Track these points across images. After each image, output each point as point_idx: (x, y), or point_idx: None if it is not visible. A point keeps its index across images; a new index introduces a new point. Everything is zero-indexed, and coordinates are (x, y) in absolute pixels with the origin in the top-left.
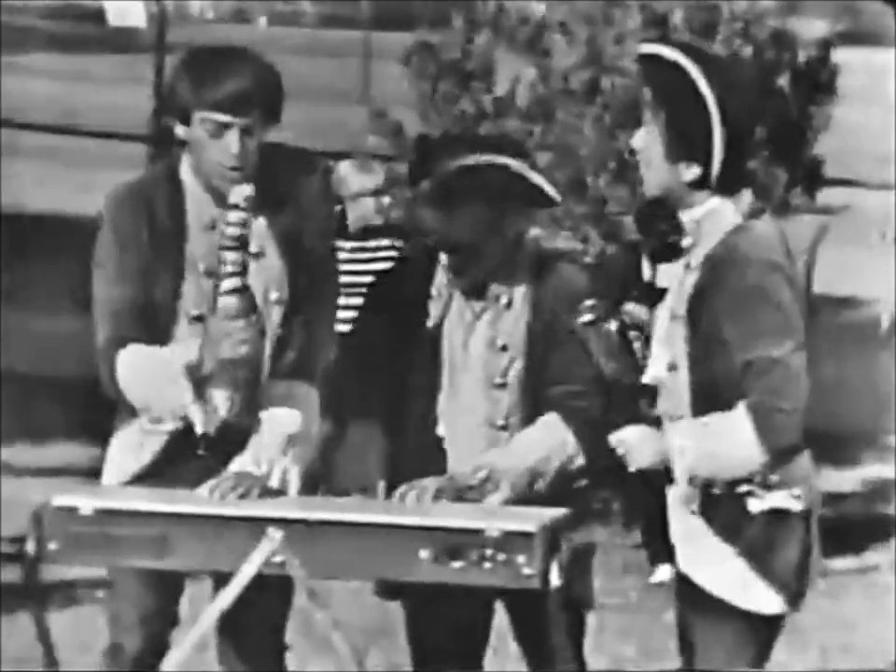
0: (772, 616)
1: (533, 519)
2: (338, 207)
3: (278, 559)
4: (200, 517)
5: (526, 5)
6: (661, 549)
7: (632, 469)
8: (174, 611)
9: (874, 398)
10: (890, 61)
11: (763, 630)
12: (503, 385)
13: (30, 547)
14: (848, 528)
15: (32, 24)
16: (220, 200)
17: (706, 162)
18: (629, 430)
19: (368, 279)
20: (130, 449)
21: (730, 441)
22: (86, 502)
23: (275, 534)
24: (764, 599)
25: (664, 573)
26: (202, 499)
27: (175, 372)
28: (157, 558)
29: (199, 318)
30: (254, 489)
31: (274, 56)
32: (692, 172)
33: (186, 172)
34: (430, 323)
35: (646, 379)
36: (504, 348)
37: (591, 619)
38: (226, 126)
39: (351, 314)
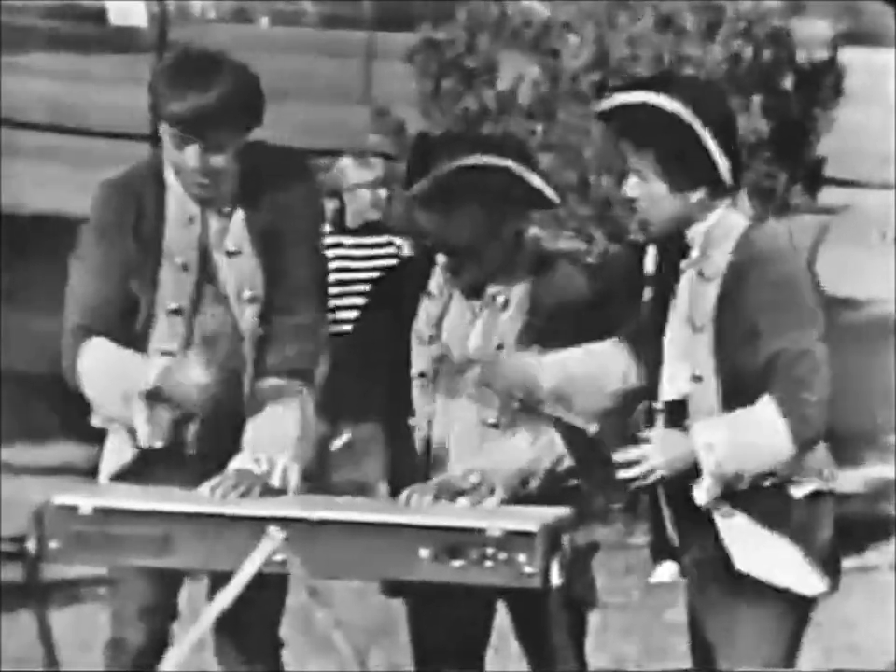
0: (807, 602)
1: (534, 518)
2: (336, 202)
3: (279, 558)
4: (201, 516)
5: (529, 5)
6: (663, 548)
7: (657, 475)
8: (174, 604)
9: (874, 397)
10: (891, 61)
11: (802, 618)
12: None
13: (31, 546)
14: (850, 528)
15: (32, 24)
16: (199, 199)
17: (710, 180)
18: (653, 433)
19: (367, 275)
20: (116, 445)
21: (759, 433)
22: (86, 501)
23: (276, 533)
24: (812, 581)
25: (665, 572)
26: (202, 498)
27: (131, 390)
28: (157, 557)
29: (176, 311)
30: (255, 487)
31: (276, 56)
32: (698, 194)
33: (168, 169)
34: (426, 323)
35: (666, 396)
36: (500, 347)
37: (593, 618)
38: (185, 140)
39: (352, 312)
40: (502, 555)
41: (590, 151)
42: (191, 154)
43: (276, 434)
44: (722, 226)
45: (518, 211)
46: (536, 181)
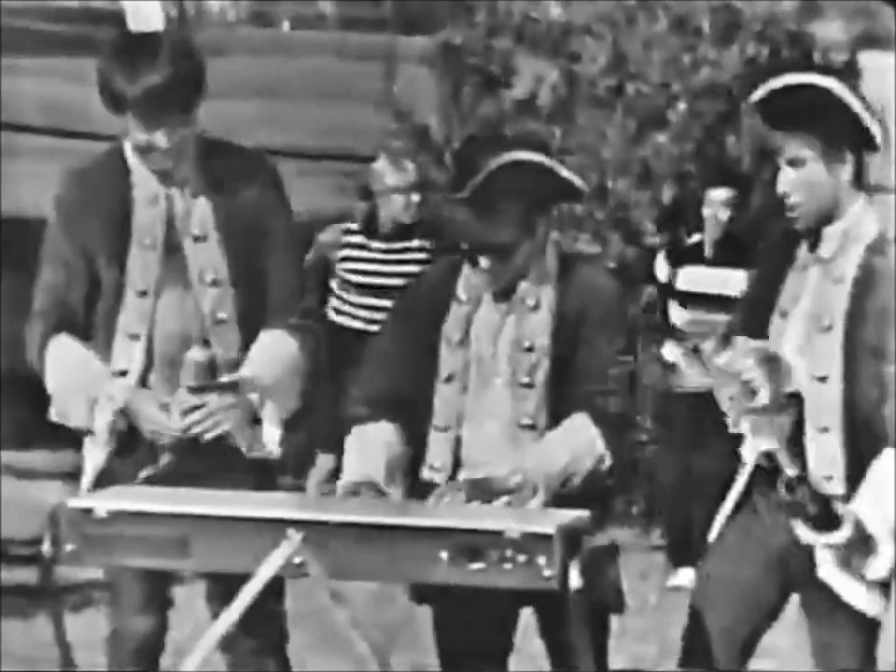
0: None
1: (552, 520)
2: (369, 205)
3: (297, 560)
4: (217, 518)
5: (546, 8)
6: (681, 552)
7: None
8: (167, 592)
9: None
10: (891, 61)
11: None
12: (530, 385)
13: (46, 549)
14: None
15: (38, 27)
16: (164, 178)
17: (861, 143)
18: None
19: (397, 279)
20: (90, 450)
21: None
22: (101, 504)
23: (295, 535)
24: (876, 601)
25: (682, 577)
26: (218, 500)
27: (93, 397)
28: (174, 560)
29: (143, 293)
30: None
31: (298, 58)
32: (848, 168)
33: (130, 153)
34: (455, 326)
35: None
36: (530, 349)
37: (612, 621)
38: (148, 121)
39: (382, 314)
40: (521, 557)
41: (607, 154)
42: (159, 135)
43: (271, 361)
44: (857, 228)
45: (551, 205)
46: (565, 172)
